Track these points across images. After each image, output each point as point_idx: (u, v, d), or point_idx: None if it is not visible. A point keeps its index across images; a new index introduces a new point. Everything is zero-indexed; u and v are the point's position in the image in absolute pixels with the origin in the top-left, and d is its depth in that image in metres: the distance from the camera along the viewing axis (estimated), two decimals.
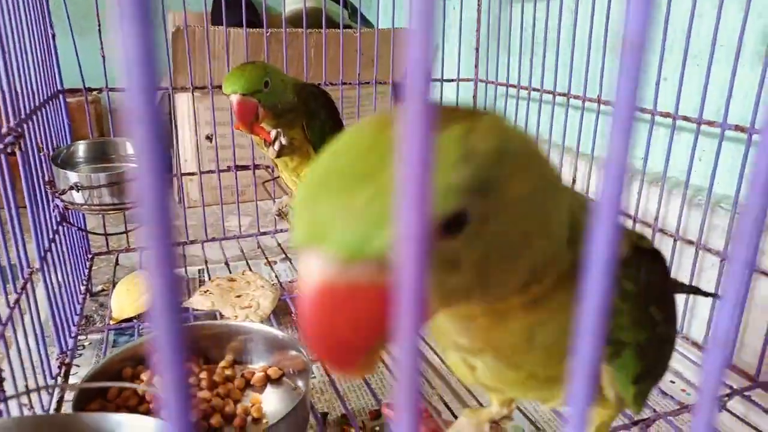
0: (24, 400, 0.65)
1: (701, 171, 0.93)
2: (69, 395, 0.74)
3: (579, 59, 1.08)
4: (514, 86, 1.24)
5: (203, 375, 0.76)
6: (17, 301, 0.69)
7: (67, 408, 0.75)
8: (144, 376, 0.75)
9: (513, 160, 0.28)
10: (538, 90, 1.16)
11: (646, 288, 0.38)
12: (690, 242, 0.91)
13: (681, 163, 0.96)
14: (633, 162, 1.02)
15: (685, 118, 0.89)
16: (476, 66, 1.36)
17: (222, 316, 0.93)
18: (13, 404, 0.61)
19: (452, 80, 1.36)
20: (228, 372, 0.78)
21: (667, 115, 0.92)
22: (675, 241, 0.92)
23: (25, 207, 0.75)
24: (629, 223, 0.99)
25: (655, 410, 0.73)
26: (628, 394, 0.40)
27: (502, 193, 0.27)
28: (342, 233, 0.24)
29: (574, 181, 1.10)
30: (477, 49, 1.35)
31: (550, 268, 0.32)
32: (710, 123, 0.86)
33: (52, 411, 0.74)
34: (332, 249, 0.24)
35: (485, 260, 0.28)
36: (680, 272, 0.93)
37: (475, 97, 1.38)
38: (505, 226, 0.28)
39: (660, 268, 0.42)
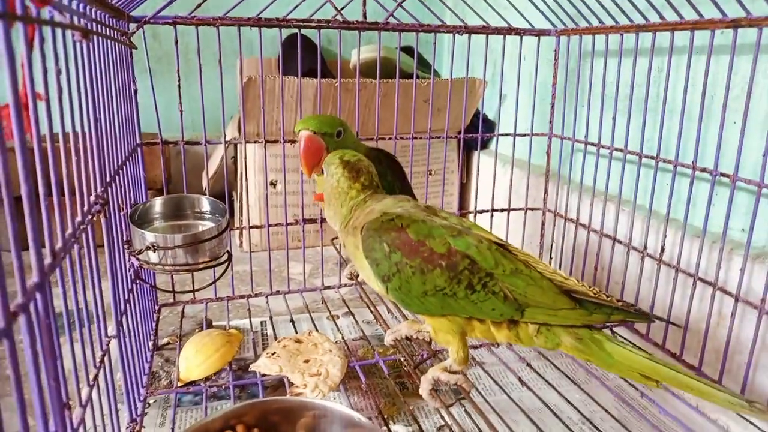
0: None
1: None
2: None
3: (669, 120, 1.02)
4: (593, 144, 1.18)
5: None
6: (98, 370, 0.67)
7: None
8: None
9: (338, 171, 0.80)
10: (620, 150, 1.10)
11: (381, 235, 0.71)
12: None
13: None
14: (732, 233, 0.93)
15: None
16: (551, 121, 1.31)
17: (291, 383, 0.89)
18: None
19: (525, 135, 1.31)
20: None
21: None
22: None
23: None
24: (731, 301, 0.91)
25: None
26: (383, 288, 0.73)
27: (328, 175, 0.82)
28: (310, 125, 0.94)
29: (662, 249, 1.02)
30: (552, 105, 1.30)
31: (342, 222, 0.79)
32: None
33: None
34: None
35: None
36: None
37: (549, 152, 1.33)
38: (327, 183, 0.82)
39: (396, 228, 0.72)
